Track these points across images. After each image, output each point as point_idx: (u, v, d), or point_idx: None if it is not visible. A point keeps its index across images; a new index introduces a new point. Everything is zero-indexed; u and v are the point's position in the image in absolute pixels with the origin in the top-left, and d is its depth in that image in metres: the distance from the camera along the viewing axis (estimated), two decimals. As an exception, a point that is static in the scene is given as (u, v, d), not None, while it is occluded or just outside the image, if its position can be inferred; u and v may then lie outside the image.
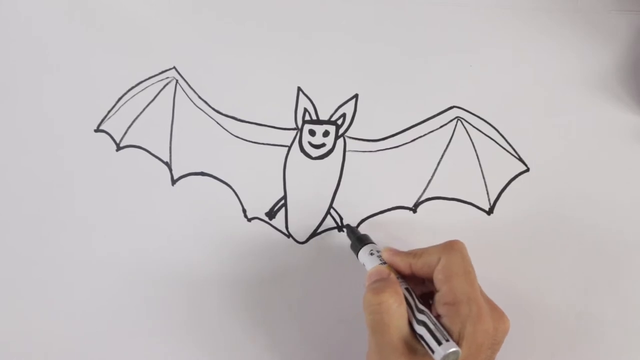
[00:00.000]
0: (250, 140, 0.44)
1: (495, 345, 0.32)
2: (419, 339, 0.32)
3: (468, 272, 0.33)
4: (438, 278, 0.33)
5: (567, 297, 0.40)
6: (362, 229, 0.42)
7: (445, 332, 0.31)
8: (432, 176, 0.43)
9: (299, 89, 0.45)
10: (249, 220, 0.43)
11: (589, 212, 0.42)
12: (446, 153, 0.43)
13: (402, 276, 0.36)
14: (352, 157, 0.44)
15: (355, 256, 0.39)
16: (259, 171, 0.44)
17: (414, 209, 0.42)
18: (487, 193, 0.42)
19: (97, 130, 0.46)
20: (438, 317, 0.33)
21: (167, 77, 0.46)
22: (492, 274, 0.41)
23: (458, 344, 0.31)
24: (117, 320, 0.42)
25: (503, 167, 0.43)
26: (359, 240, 0.39)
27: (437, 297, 0.33)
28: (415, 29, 0.46)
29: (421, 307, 0.33)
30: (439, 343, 0.30)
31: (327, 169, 0.43)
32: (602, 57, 0.45)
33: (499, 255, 0.41)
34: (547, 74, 0.45)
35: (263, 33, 0.47)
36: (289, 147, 0.44)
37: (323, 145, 0.44)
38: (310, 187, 0.43)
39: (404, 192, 0.43)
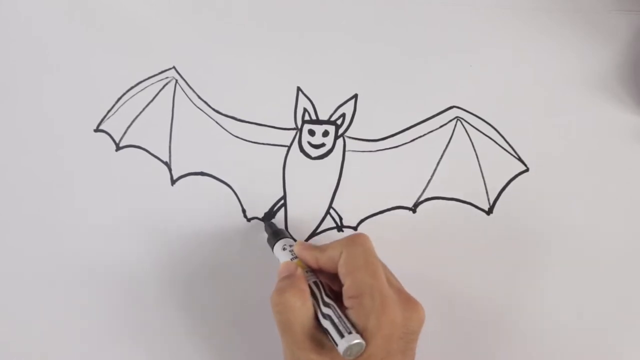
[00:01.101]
0: (250, 140, 0.45)
1: (408, 335, 0.32)
2: (325, 332, 0.32)
3: (370, 263, 0.33)
4: (341, 272, 0.34)
5: (566, 297, 0.40)
6: (362, 229, 0.42)
7: (348, 325, 0.31)
8: (432, 176, 0.43)
9: (299, 89, 0.45)
10: (249, 220, 0.43)
11: (588, 212, 0.42)
12: (446, 153, 0.43)
13: (313, 270, 0.36)
14: (351, 157, 0.44)
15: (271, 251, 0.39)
16: (259, 171, 0.44)
17: (413, 209, 0.42)
18: (487, 193, 0.42)
19: (97, 130, 0.46)
20: (345, 310, 0.33)
21: (167, 77, 0.46)
22: (491, 274, 0.41)
23: (363, 336, 0.31)
24: (117, 320, 0.42)
25: (503, 167, 0.43)
26: (274, 235, 0.39)
27: (343, 290, 0.33)
28: (415, 29, 0.46)
29: (327, 300, 0.33)
30: (342, 336, 0.30)
31: (326, 169, 0.43)
32: (602, 57, 0.45)
33: (498, 255, 0.41)
34: (547, 74, 0.45)
35: (263, 33, 0.47)
36: (289, 147, 0.44)
37: (323, 145, 0.44)
38: (309, 187, 0.43)
39: (404, 192, 0.43)
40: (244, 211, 0.43)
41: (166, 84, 0.46)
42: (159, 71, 0.47)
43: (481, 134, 0.44)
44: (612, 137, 0.43)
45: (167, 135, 0.45)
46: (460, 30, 0.46)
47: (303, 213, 0.43)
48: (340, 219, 0.42)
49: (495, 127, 0.44)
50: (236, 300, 0.42)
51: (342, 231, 0.42)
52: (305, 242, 0.37)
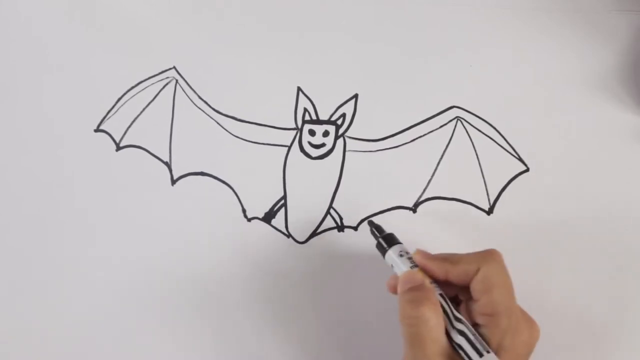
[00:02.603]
0: (250, 140, 0.45)
1: (530, 353, 0.32)
2: (457, 348, 0.31)
3: (507, 283, 0.33)
4: (477, 288, 0.32)
5: (566, 297, 0.40)
6: (362, 229, 0.42)
7: (484, 343, 0.31)
8: (432, 176, 0.43)
9: (299, 89, 0.45)
10: (249, 220, 0.43)
11: (589, 212, 0.42)
12: (446, 153, 0.43)
13: (436, 281, 0.34)
14: (352, 157, 0.44)
15: (381, 256, 0.37)
16: (259, 171, 0.44)
17: (413, 209, 0.42)
18: (487, 193, 0.42)
19: (97, 130, 0.46)
20: (475, 326, 0.32)
21: (167, 77, 0.46)
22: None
23: (497, 354, 0.30)
24: (117, 320, 0.42)
25: (503, 167, 0.43)
26: (385, 240, 0.37)
27: (475, 307, 0.32)
28: (415, 29, 0.46)
29: (459, 316, 0.32)
30: (480, 354, 0.30)
31: (327, 169, 0.43)
32: (602, 57, 0.45)
33: (498, 255, 0.41)
34: (547, 74, 0.45)
35: (263, 33, 0.47)
36: (289, 147, 0.44)
37: (323, 145, 0.44)
38: (310, 187, 0.43)
39: (404, 192, 0.43)
40: (244, 211, 0.43)
41: (166, 84, 0.46)
42: (159, 71, 0.47)
43: (481, 134, 0.44)
44: (612, 137, 0.43)
45: (167, 135, 0.45)
46: (460, 30, 0.46)
47: (303, 213, 0.43)
48: (341, 219, 0.42)
49: (495, 127, 0.44)
50: (236, 300, 0.41)
51: (343, 231, 0.42)
52: (426, 252, 0.35)
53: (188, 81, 0.46)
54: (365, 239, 0.41)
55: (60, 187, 0.44)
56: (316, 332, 0.41)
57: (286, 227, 0.43)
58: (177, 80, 0.46)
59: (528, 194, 0.42)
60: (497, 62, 0.45)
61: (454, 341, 0.31)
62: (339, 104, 0.45)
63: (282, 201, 0.43)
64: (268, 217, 0.43)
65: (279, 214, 0.43)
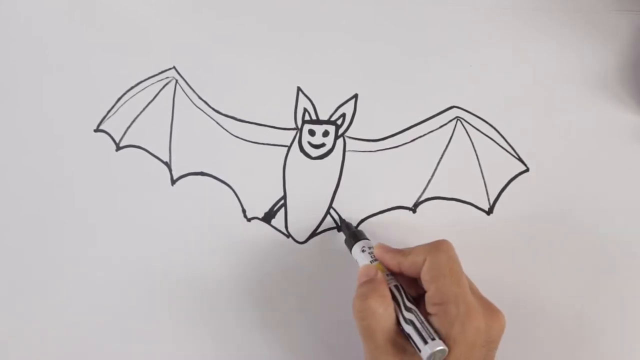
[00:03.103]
0: (250, 140, 0.44)
1: (490, 343, 0.32)
2: (407, 336, 0.32)
3: (454, 271, 0.33)
4: (425, 279, 0.33)
5: (566, 297, 0.40)
6: (362, 229, 0.42)
7: (432, 331, 0.31)
8: (432, 176, 0.43)
9: (299, 89, 0.45)
10: (249, 220, 0.43)
11: (588, 212, 0.42)
12: (446, 153, 0.43)
13: (393, 273, 0.36)
14: (351, 157, 0.44)
15: (349, 252, 0.39)
16: (259, 171, 0.44)
17: (413, 209, 0.42)
18: (487, 193, 0.42)
19: (97, 130, 0.46)
20: (428, 316, 0.33)
21: (167, 77, 0.46)
22: (491, 274, 0.41)
23: (446, 343, 0.31)
24: (117, 320, 0.42)
25: (503, 167, 0.43)
26: (352, 236, 0.39)
27: (426, 297, 0.33)
28: (415, 29, 0.46)
29: (409, 305, 0.33)
30: (425, 342, 0.30)
31: (326, 169, 0.43)
32: (602, 57, 0.45)
33: (498, 255, 0.41)
34: (547, 74, 0.45)
35: (263, 33, 0.47)
36: (289, 147, 0.44)
37: (323, 145, 0.44)
38: (310, 187, 0.43)
39: (404, 192, 0.43)
40: (244, 211, 0.43)
41: (166, 84, 0.46)
42: (159, 71, 0.47)
43: (481, 134, 0.44)
44: (612, 137, 0.43)
45: (167, 135, 0.45)
46: (460, 30, 0.46)
47: (303, 213, 0.43)
48: (341, 218, 0.42)
49: (495, 127, 0.44)
50: (236, 300, 0.41)
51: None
52: (386, 245, 0.37)
53: (188, 81, 0.46)
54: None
55: (60, 187, 0.44)
56: (316, 332, 0.41)
57: (286, 227, 0.43)
58: (177, 80, 0.46)
59: (528, 194, 0.42)
60: (497, 62, 0.45)
61: (404, 330, 0.32)
62: (338, 104, 0.45)
63: (282, 201, 0.43)
64: (268, 217, 0.43)
65: (278, 214, 0.43)
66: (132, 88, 0.46)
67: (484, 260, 0.41)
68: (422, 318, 0.32)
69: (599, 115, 0.44)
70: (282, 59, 0.46)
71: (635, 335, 0.39)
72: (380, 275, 0.35)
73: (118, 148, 0.45)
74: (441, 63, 0.45)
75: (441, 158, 0.43)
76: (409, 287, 0.35)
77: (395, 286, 0.34)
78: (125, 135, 0.45)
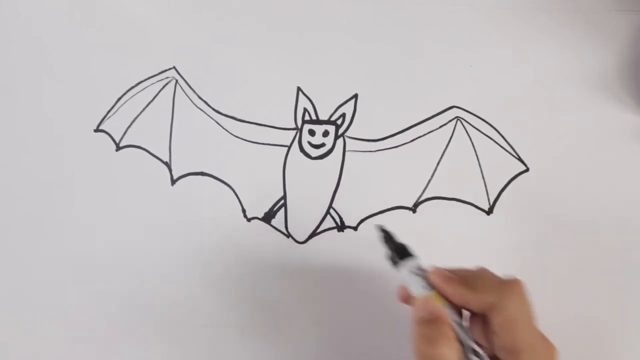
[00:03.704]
0: (250, 140, 0.45)
1: None
2: None
3: (529, 318, 0.31)
4: (497, 323, 0.30)
5: (566, 297, 0.40)
6: (362, 229, 0.42)
7: None
8: (432, 176, 0.43)
9: (299, 89, 0.45)
10: (249, 220, 0.43)
11: (588, 212, 0.42)
12: (446, 153, 0.43)
13: (451, 304, 0.32)
14: (351, 157, 0.44)
15: (382, 258, 0.34)
16: (259, 171, 0.44)
17: (413, 208, 0.42)
18: (487, 193, 0.42)
19: (97, 130, 0.46)
20: (493, 358, 0.31)
21: (167, 77, 0.46)
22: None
23: None
24: (117, 320, 0.42)
25: (503, 167, 0.43)
26: (397, 252, 0.33)
27: (495, 340, 0.31)
28: (415, 29, 0.46)
29: (476, 349, 0.30)
30: None
31: (326, 169, 0.43)
32: (602, 57, 0.45)
33: (498, 255, 0.41)
34: (547, 74, 0.45)
35: (263, 33, 0.47)
36: (289, 147, 0.44)
37: (323, 145, 0.44)
38: (309, 187, 0.43)
39: (404, 192, 0.43)
40: (244, 211, 0.43)
41: (166, 84, 0.46)
42: (159, 71, 0.47)
43: (481, 134, 0.44)
44: (612, 137, 0.43)
45: (167, 135, 0.45)
46: (460, 30, 0.46)
47: (303, 213, 0.43)
48: (340, 219, 0.42)
49: (495, 127, 0.44)
50: (236, 300, 0.41)
51: (343, 231, 0.42)
52: (443, 270, 0.32)
53: (188, 81, 0.46)
54: (365, 239, 0.41)
55: (60, 187, 0.44)
56: (316, 332, 0.41)
57: (286, 227, 0.43)
58: (177, 80, 0.46)
59: (528, 194, 0.42)
60: (497, 62, 0.45)
61: None
62: (338, 104, 0.45)
63: (282, 201, 0.43)
64: (268, 217, 0.43)
65: (278, 214, 0.43)
66: (132, 88, 0.46)
67: (484, 260, 0.41)
68: None
69: (599, 115, 0.44)
70: (282, 59, 0.46)
71: (636, 335, 0.39)
72: (443, 313, 0.31)
73: (118, 148, 0.45)
74: (441, 63, 0.45)
75: (441, 158, 0.43)
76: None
77: (458, 323, 0.31)
78: (125, 135, 0.45)
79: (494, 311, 0.30)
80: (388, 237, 0.34)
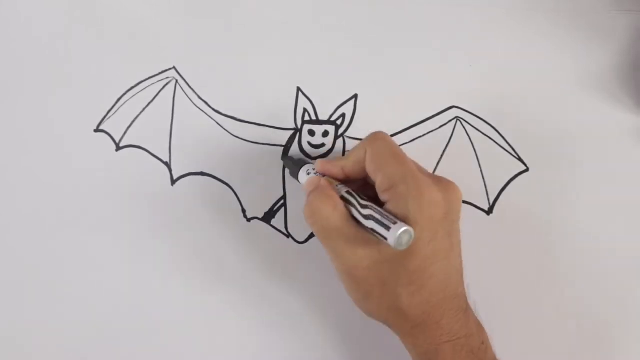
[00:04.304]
0: (250, 140, 0.45)
1: (450, 215, 0.33)
2: (372, 233, 0.31)
3: (396, 154, 0.33)
4: (370, 169, 0.34)
5: (566, 297, 0.40)
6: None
7: (391, 217, 0.31)
8: (432, 176, 0.43)
9: (299, 89, 0.45)
10: (249, 220, 0.43)
11: (588, 212, 0.42)
12: (445, 153, 0.43)
13: (342, 182, 0.36)
14: (351, 157, 0.44)
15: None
16: (259, 171, 0.44)
17: (413, 209, 0.42)
18: (487, 193, 0.42)
19: (97, 130, 0.46)
20: (383, 205, 0.33)
21: (167, 77, 0.46)
22: (491, 274, 0.41)
23: (406, 221, 0.30)
24: (117, 320, 0.42)
25: (503, 167, 0.43)
26: (296, 164, 0.39)
27: (377, 186, 0.33)
28: (415, 29, 0.46)
29: (364, 202, 0.33)
30: (388, 228, 0.30)
31: (326, 169, 0.43)
32: (602, 57, 0.45)
33: (498, 255, 0.41)
34: (547, 74, 0.45)
35: (263, 33, 0.47)
36: (289, 147, 0.44)
37: (322, 145, 0.44)
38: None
39: (404, 192, 0.43)
40: (244, 211, 0.43)
41: (166, 84, 0.46)
42: (159, 71, 0.47)
43: (481, 134, 0.44)
44: (611, 137, 0.43)
45: (167, 135, 0.45)
46: (460, 30, 0.46)
47: (303, 213, 0.43)
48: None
49: (495, 127, 0.44)
50: (236, 300, 0.42)
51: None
52: (325, 159, 0.37)
53: (188, 81, 0.46)
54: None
55: (60, 187, 0.44)
56: (316, 332, 0.41)
57: (286, 227, 0.43)
58: (177, 80, 0.46)
59: (528, 194, 0.42)
60: (497, 62, 0.45)
61: (366, 227, 0.32)
62: (338, 104, 0.45)
63: (282, 201, 0.43)
64: (268, 217, 0.43)
65: (278, 214, 0.43)
66: (132, 88, 0.46)
67: (484, 260, 0.41)
68: (380, 209, 0.32)
69: (599, 115, 0.44)
70: (282, 59, 0.46)
71: (636, 336, 0.39)
72: (323, 180, 0.35)
73: (118, 148, 0.45)
74: (441, 63, 0.45)
75: (441, 158, 0.43)
76: (363, 192, 0.35)
77: (347, 192, 0.34)
78: (125, 135, 0.45)
79: (366, 163, 0.34)
80: (289, 159, 0.41)
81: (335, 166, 0.36)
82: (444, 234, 0.32)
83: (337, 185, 0.35)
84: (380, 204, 0.33)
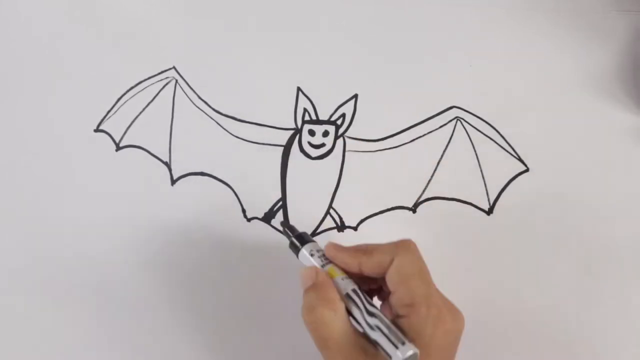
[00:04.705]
0: (250, 140, 0.45)
1: (457, 342, 0.32)
2: (374, 344, 0.31)
3: (424, 272, 0.32)
4: (392, 280, 0.32)
5: (566, 297, 0.40)
6: (362, 229, 0.42)
7: (400, 335, 0.30)
8: (432, 176, 0.43)
9: (299, 89, 0.45)
10: (249, 220, 0.43)
11: (588, 212, 0.42)
12: (446, 153, 0.43)
13: (349, 274, 0.33)
14: (351, 157, 0.44)
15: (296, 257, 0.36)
16: (259, 171, 0.44)
17: (413, 209, 0.42)
18: (487, 193, 0.42)
19: (97, 130, 0.46)
20: (395, 318, 0.32)
21: (167, 77, 0.46)
22: (491, 274, 0.41)
23: (417, 345, 0.30)
24: (116, 320, 0.42)
25: (503, 167, 0.43)
26: (298, 239, 0.35)
27: (393, 299, 0.32)
28: (415, 29, 0.46)
29: (372, 310, 0.31)
30: (396, 347, 0.29)
31: (326, 169, 0.43)
32: (602, 57, 0.45)
33: (498, 255, 0.41)
34: (547, 74, 0.45)
35: (263, 33, 0.47)
36: (289, 147, 0.44)
37: (323, 145, 0.44)
38: (309, 187, 0.43)
39: (404, 192, 0.43)
40: (244, 211, 0.43)
41: (166, 84, 0.46)
42: (159, 71, 0.47)
43: (481, 134, 0.44)
44: (612, 137, 0.43)
45: (167, 135, 0.45)
46: (460, 30, 0.46)
47: (303, 213, 0.43)
48: (340, 219, 0.42)
49: (495, 127, 0.44)
50: (236, 300, 0.41)
51: (343, 231, 0.42)
52: (338, 244, 0.34)
53: (188, 81, 0.46)
54: (365, 239, 0.41)
55: (60, 187, 0.44)
56: (316, 332, 0.41)
57: (286, 227, 0.43)
58: (176, 80, 0.46)
59: (528, 194, 0.42)
60: (497, 62, 0.45)
61: (371, 338, 0.30)
62: (338, 104, 0.45)
63: (282, 201, 0.43)
64: (268, 217, 0.43)
65: (278, 214, 0.43)
66: (132, 88, 0.46)
67: (484, 260, 0.41)
68: (388, 322, 0.30)
69: (599, 116, 0.44)
70: (282, 59, 0.46)
71: (635, 336, 0.39)
72: (322, 277, 0.32)
73: (118, 148, 0.45)
74: (441, 63, 0.45)
75: (441, 158, 0.43)
76: (363, 285, 0.33)
77: (354, 290, 0.32)
78: (125, 135, 0.45)
79: (388, 270, 0.32)
80: (290, 229, 0.37)
81: (352, 259, 0.33)
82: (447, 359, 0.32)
83: (342, 278, 0.32)
84: (382, 307, 0.32)
